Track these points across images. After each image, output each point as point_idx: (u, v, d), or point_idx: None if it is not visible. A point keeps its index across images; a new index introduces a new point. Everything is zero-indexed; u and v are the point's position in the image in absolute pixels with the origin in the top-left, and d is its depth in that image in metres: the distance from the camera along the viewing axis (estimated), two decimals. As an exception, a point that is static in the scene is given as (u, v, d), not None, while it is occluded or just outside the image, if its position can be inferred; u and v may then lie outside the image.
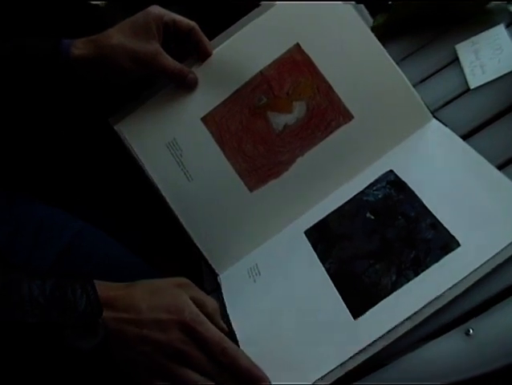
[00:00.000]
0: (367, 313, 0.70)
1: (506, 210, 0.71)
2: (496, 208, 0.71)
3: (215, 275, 0.89)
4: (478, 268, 0.67)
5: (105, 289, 0.70)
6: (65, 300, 0.67)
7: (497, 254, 0.67)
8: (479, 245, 0.69)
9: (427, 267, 0.70)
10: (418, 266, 0.71)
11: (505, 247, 0.67)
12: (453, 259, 0.69)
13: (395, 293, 0.70)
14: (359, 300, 0.72)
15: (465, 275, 0.66)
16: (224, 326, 0.75)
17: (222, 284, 0.87)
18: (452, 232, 0.71)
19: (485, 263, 0.67)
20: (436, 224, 0.73)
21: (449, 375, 0.62)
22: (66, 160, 1.09)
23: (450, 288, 0.67)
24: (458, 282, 0.67)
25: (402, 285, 0.70)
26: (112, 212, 1.13)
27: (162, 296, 0.71)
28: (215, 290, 0.87)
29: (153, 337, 0.68)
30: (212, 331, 0.69)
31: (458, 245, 0.70)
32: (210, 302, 0.74)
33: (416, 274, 0.70)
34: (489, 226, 0.70)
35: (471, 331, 0.63)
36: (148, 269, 1.04)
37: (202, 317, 0.70)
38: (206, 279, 0.91)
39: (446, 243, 0.71)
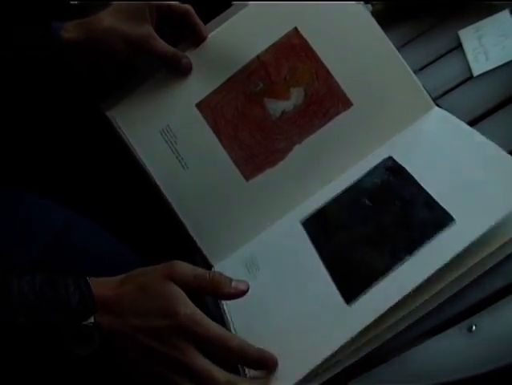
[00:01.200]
0: (361, 297, 0.68)
1: (502, 184, 0.69)
2: (492, 182, 0.70)
3: (209, 266, 0.88)
4: (473, 242, 0.64)
5: (97, 287, 0.67)
6: (57, 296, 0.65)
7: (492, 228, 0.64)
8: (474, 219, 0.67)
9: (421, 245, 0.68)
10: (412, 246, 0.69)
11: (501, 220, 0.64)
12: (447, 235, 0.67)
13: (389, 275, 0.68)
14: (352, 284, 0.70)
15: (460, 250, 0.64)
16: (233, 290, 0.71)
17: None
18: (447, 208, 0.69)
19: (479, 237, 0.64)
20: (430, 203, 0.71)
21: (451, 374, 0.60)
22: (56, 149, 1.07)
23: (445, 265, 0.64)
24: (454, 257, 0.64)
25: (396, 266, 0.68)
26: (104, 202, 1.10)
27: (153, 296, 0.67)
28: None
29: (149, 345, 0.65)
30: (212, 330, 0.65)
31: (453, 220, 0.68)
32: (207, 280, 0.70)
33: (411, 254, 0.68)
34: (485, 200, 0.68)
35: (474, 328, 0.61)
36: (141, 262, 0.99)
37: (199, 315, 0.66)
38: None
39: (440, 220, 0.69)
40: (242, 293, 0.70)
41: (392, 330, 0.66)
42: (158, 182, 0.90)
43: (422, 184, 0.74)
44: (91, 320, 0.65)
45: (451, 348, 0.62)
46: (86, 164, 1.08)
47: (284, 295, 0.77)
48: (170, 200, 0.89)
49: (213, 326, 0.66)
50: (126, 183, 1.07)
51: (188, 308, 0.66)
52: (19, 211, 0.92)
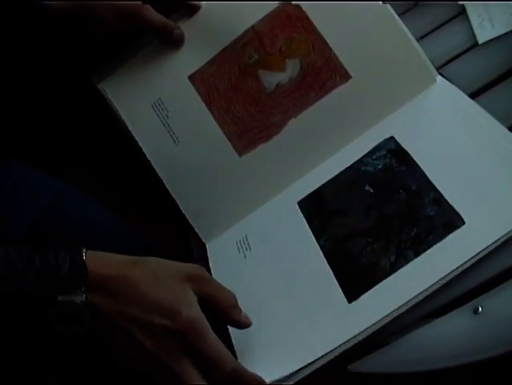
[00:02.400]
0: (363, 296, 0.67)
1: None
2: (508, 179, 0.67)
3: (202, 244, 0.87)
4: (484, 249, 0.62)
5: (98, 264, 0.64)
6: (45, 263, 0.61)
7: (505, 235, 0.62)
8: (486, 224, 0.64)
9: (428, 247, 0.66)
10: (419, 246, 0.67)
11: None
12: (456, 238, 0.65)
13: (393, 276, 0.66)
14: (355, 282, 0.68)
15: (469, 257, 0.62)
16: (243, 319, 0.68)
17: (209, 255, 0.85)
18: (457, 208, 0.67)
19: (492, 244, 0.62)
20: (439, 200, 0.69)
21: (455, 358, 0.58)
22: (48, 120, 1.07)
23: (453, 270, 0.63)
24: (461, 265, 0.63)
25: (401, 266, 0.67)
26: (96, 173, 1.12)
27: (162, 290, 0.63)
28: (202, 259, 0.85)
29: (141, 341, 0.62)
30: (210, 344, 0.62)
31: (463, 222, 0.66)
32: (226, 297, 0.67)
33: (417, 255, 0.66)
34: (499, 202, 0.66)
35: (480, 309, 0.59)
36: (137, 235, 1.00)
37: (202, 323, 0.62)
38: (194, 246, 0.88)
39: (450, 220, 0.67)
40: (246, 326, 0.68)
41: (393, 313, 0.64)
42: (149, 157, 0.89)
43: (428, 174, 0.72)
44: (83, 298, 0.62)
45: (455, 331, 0.60)
46: (78, 136, 1.09)
47: (275, 280, 0.75)
48: (161, 175, 0.89)
49: (213, 341, 0.62)
50: (119, 154, 1.07)
51: (192, 312, 0.62)
52: (7, 183, 0.89)
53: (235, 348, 0.69)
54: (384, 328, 0.64)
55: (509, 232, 0.62)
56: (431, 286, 0.63)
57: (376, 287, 0.66)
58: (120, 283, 0.63)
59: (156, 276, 0.64)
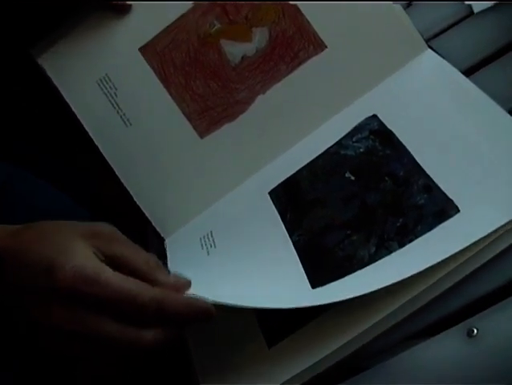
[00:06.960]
0: (331, 284, 0.60)
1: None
2: (506, 163, 0.61)
3: (161, 240, 0.81)
4: (480, 240, 0.55)
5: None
6: None
7: (504, 226, 0.55)
8: (483, 212, 0.58)
9: (416, 237, 0.60)
10: (405, 236, 0.60)
11: None
12: (449, 228, 0.59)
13: (370, 266, 0.60)
14: (325, 273, 0.62)
15: (461, 247, 0.55)
16: (169, 278, 0.59)
17: (168, 250, 0.79)
18: (450, 195, 0.61)
19: (489, 235, 0.55)
20: (430, 186, 0.63)
21: None
22: None
23: (442, 262, 0.56)
24: (453, 256, 0.56)
25: (382, 257, 0.60)
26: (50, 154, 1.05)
27: (46, 249, 0.55)
28: (159, 256, 0.77)
29: (34, 314, 0.54)
30: (107, 285, 0.53)
31: (457, 211, 0.59)
32: (143, 257, 0.59)
33: (402, 245, 0.60)
34: (498, 188, 0.60)
35: (475, 331, 0.53)
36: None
37: (93, 269, 0.54)
38: (150, 242, 0.83)
39: (442, 209, 0.60)
40: (177, 288, 0.59)
41: (374, 331, 0.58)
42: (96, 141, 0.83)
43: (416, 158, 0.66)
44: None
45: (445, 357, 0.53)
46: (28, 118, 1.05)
47: (240, 281, 0.69)
48: (112, 163, 0.83)
49: (109, 280, 0.54)
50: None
51: (76, 260, 0.54)
52: None
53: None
54: (363, 350, 0.57)
55: (509, 221, 0.55)
56: (423, 292, 0.56)
57: (348, 276, 0.61)
58: (8, 252, 0.57)
59: (46, 236, 0.57)
